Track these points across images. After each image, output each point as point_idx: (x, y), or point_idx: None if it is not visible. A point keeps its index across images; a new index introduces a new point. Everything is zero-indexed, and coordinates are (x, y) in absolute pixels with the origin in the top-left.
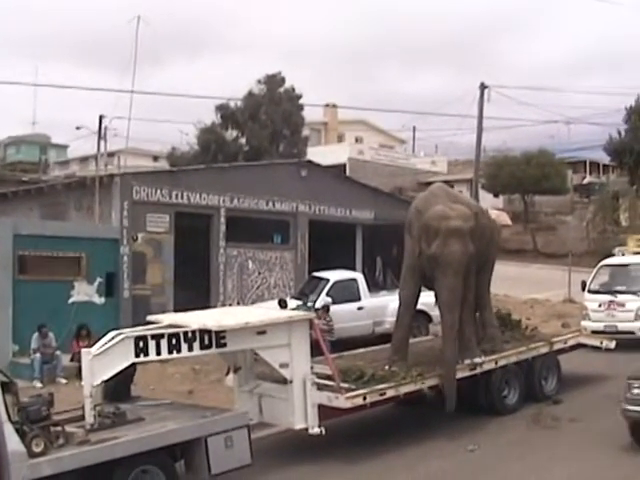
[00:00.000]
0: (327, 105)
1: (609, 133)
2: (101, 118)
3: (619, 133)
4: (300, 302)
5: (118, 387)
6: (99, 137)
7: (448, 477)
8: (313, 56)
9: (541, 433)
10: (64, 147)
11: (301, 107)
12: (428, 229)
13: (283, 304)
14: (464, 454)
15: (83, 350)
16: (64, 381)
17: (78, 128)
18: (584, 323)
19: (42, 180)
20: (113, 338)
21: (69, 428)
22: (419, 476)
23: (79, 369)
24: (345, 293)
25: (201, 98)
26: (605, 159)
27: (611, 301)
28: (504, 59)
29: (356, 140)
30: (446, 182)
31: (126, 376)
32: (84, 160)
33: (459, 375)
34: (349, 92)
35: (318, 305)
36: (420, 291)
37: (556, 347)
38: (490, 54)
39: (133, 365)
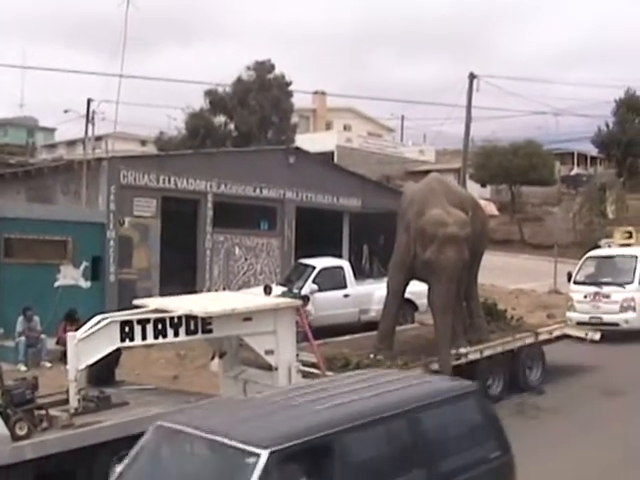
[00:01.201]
0: (316, 92)
1: (597, 125)
2: (89, 102)
3: (607, 125)
4: (285, 289)
5: (102, 371)
6: (87, 121)
7: None
8: (304, 43)
9: (524, 422)
10: (52, 130)
11: (290, 94)
12: (424, 233)
13: (268, 290)
14: None
15: (68, 334)
16: (49, 365)
17: (66, 111)
18: (569, 314)
19: (29, 163)
20: (99, 322)
21: (53, 412)
22: None
23: (64, 353)
24: (331, 280)
25: (189, 83)
26: (593, 151)
27: (596, 292)
28: (495, 49)
29: (344, 128)
30: (434, 171)
31: (110, 360)
32: (71, 144)
33: None
34: (339, 80)
35: (304, 292)
36: (409, 282)
37: (541, 338)
38: (481, 44)
39: (118, 349)
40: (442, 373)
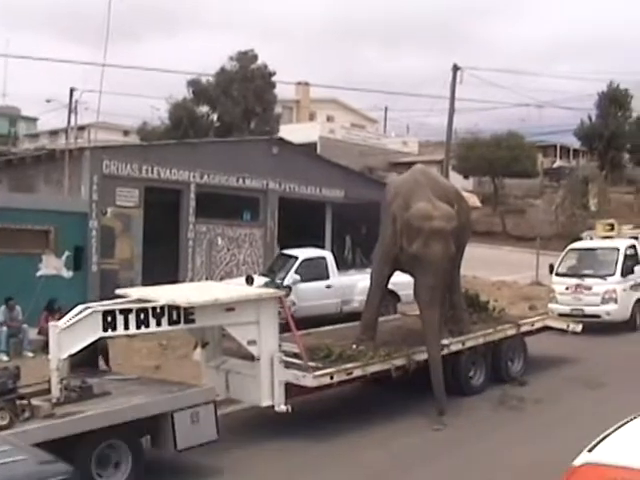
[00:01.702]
0: (299, 83)
1: (580, 118)
2: (72, 91)
3: (590, 118)
4: (268, 279)
5: (85, 360)
6: (70, 110)
7: (414, 455)
8: (288, 35)
9: (506, 414)
10: (34, 120)
11: (273, 85)
12: (410, 227)
13: (250, 281)
14: (430, 433)
15: (50, 323)
16: (31, 354)
17: (49, 101)
18: (551, 306)
19: (11, 153)
20: (81, 312)
21: (35, 401)
22: (385, 454)
23: (46, 343)
24: (314, 271)
25: (172, 73)
26: (575, 144)
27: (578, 284)
28: (479, 42)
29: (328, 119)
30: (417, 163)
31: (94, 349)
32: (54, 133)
33: (426, 356)
34: (322, 72)
35: (287, 283)
36: (392, 274)
37: (523, 329)
38: (465, 37)
39: (104, 340)
40: (434, 367)
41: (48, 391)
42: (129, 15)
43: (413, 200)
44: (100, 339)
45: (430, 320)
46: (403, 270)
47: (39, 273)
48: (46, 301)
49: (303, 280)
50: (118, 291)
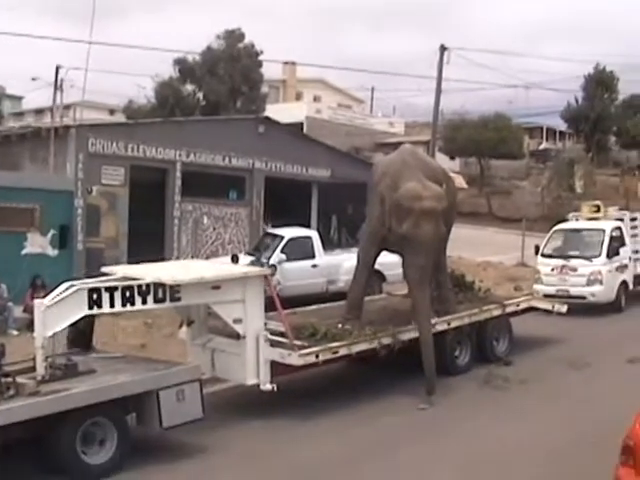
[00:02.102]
0: (286, 63)
1: (567, 100)
2: (57, 69)
3: (576, 100)
4: (253, 258)
5: (78, 337)
6: (55, 88)
7: (399, 433)
8: (275, 14)
9: (491, 393)
10: (19, 98)
11: (260, 64)
12: (400, 208)
13: (235, 259)
14: (416, 412)
15: (36, 301)
16: (16, 332)
17: (34, 79)
18: (536, 287)
19: None
20: (66, 290)
21: (20, 379)
22: (370, 432)
23: (31, 321)
24: (299, 250)
25: (158, 50)
26: (562, 126)
27: (564, 265)
28: (467, 22)
29: (314, 99)
30: (404, 143)
31: (85, 327)
32: (39, 112)
33: (412, 335)
34: (309, 51)
35: (272, 262)
36: (379, 254)
37: (508, 310)
38: (453, 17)
39: (90, 316)
40: (425, 347)
41: (33, 369)
42: None
43: (402, 180)
44: (86, 317)
45: (420, 300)
46: (391, 250)
47: (24, 251)
48: (30, 278)
49: (289, 259)
50: (104, 269)
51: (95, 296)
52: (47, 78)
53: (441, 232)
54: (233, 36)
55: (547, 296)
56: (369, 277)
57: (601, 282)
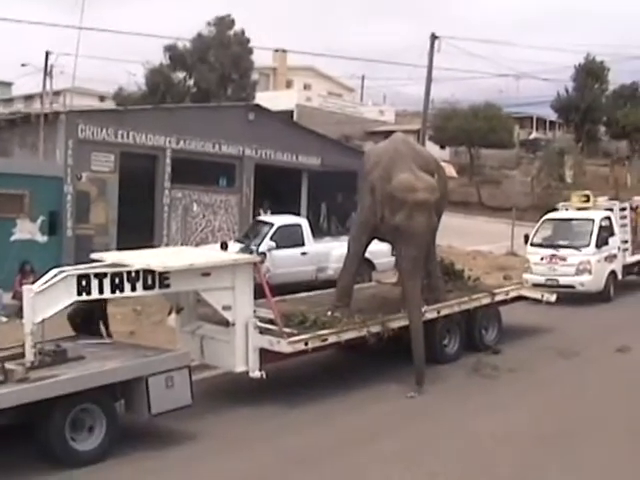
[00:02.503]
0: (277, 50)
1: (557, 90)
2: (47, 54)
3: (566, 90)
4: (243, 245)
5: (85, 327)
6: (45, 74)
7: (388, 421)
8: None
9: (480, 381)
10: (8, 84)
11: (250, 51)
12: (393, 199)
13: (224, 247)
14: (404, 400)
15: (25, 287)
16: (5, 319)
17: (24, 65)
18: (526, 276)
19: None
20: (56, 276)
21: (9, 365)
22: (357, 420)
23: (20, 307)
24: (289, 238)
25: (149, 36)
26: (552, 116)
27: (553, 255)
28: (459, 11)
29: (304, 87)
30: (394, 132)
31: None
32: (29, 98)
33: (401, 323)
34: (300, 39)
35: (262, 249)
36: (370, 243)
37: (498, 298)
38: (444, 5)
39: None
40: (415, 337)
41: (22, 355)
42: None
43: (395, 171)
44: (99, 303)
45: (412, 291)
46: (382, 239)
47: (13, 238)
48: (19, 264)
49: (278, 247)
50: (93, 255)
51: (84, 282)
52: (37, 64)
53: (433, 223)
54: (223, 23)
55: (536, 285)
56: (359, 265)
57: (590, 272)
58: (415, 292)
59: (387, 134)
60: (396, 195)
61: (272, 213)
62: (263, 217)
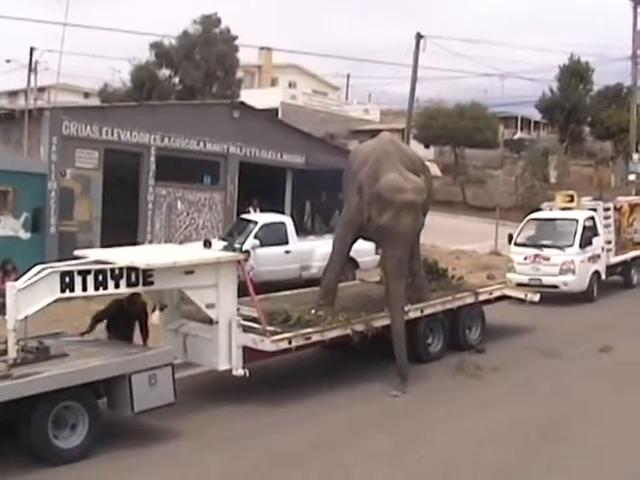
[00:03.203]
0: (262, 48)
1: (542, 90)
2: (32, 50)
3: (551, 91)
4: (226, 243)
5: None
6: (29, 70)
7: (371, 421)
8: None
9: (464, 381)
10: None
11: (236, 49)
12: (380, 199)
13: (208, 245)
14: (388, 399)
15: (8, 284)
16: None
17: (8, 61)
18: (509, 275)
19: None
20: (39, 272)
21: None
22: (341, 419)
23: (3, 304)
24: (273, 236)
25: (134, 34)
26: (536, 116)
27: (537, 255)
28: (444, 11)
29: (289, 85)
30: (378, 131)
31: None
32: (13, 94)
33: (384, 322)
34: (286, 38)
35: (246, 247)
36: (355, 242)
37: (481, 298)
38: (430, 5)
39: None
40: (397, 339)
41: (5, 352)
42: None
43: (382, 171)
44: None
45: (396, 292)
46: (367, 238)
47: None
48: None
49: (262, 245)
50: (77, 252)
51: (67, 279)
52: (21, 60)
53: (420, 224)
54: (209, 21)
55: (520, 285)
56: (343, 264)
57: (573, 272)
58: (399, 293)
59: (372, 133)
60: (383, 195)
61: (261, 210)
62: (248, 215)
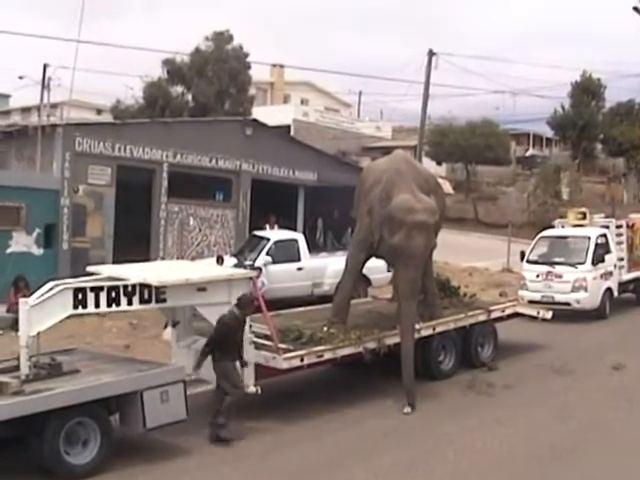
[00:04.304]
0: (274, 65)
1: (554, 107)
2: (45, 67)
3: (563, 107)
4: (236, 261)
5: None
6: (42, 86)
7: (383, 437)
8: (264, 16)
9: (475, 398)
10: (6, 97)
11: (248, 66)
12: (392, 219)
13: (220, 261)
14: (400, 416)
15: (21, 300)
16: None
17: (21, 77)
18: (521, 293)
19: None
20: (52, 289)
21: (3, 378)
22: (355, 436)
23: (15, 320)
24: (285, 253)
25: (146, 51)
26: (548, 132)
27: (549, 272)
28: (456, 27)
29: (301, 102)
30: (390, 148)
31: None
32: (26, 110)
33: (397, 340)
34: (298, 55)
35: (258, 264)
36: (368, 260)
37: (493, 315)
38: (442, 22)
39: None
40: (406, 360)
41: (17, 368)
42: None
43: (394, 191)
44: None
45: (408, 312)
46: (380, 258)
47: (9, 250)
48: (13, 279)
49: (275, 262)
50: (89, 268)
51: (80, 296)
52: (35, 77)
53: (432, 245)
54: (221, 38)
55: (532, 302)
56: (356, 282)
57: (586, 289)
58: (410, 314)
59: (384, 150)
60: (395, 216)
61: (280, 227)
62: (261, 232)
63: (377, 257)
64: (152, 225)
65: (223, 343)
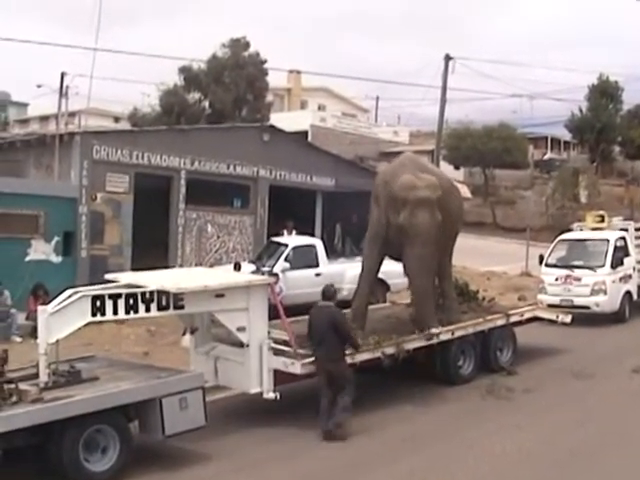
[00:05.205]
0: (291, 71)
1: (571, 110)
2: (63, 76)
3: (580, 110)
4: (254, 267)
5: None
6: (60, 95)
7: (402, 442)
8: (281, 22)
9: (495, 403)
10: (24, 105)
11: (265, 72)
12: (396, 199)
13: (238, 267)
14: (419, 421)
15: (39, 307)
16: (19, 339)
17: (39, 86)
18: (540, 296)
19: (1, 137)
20: (70, 296)
21: (23, 386)
22: (373, 441)
23: (34, 328)
24: (303, 259)
25: (163, 58)
26: (566, 136)
27: (568, 275)
28: (473, 31)
29: (319, 108)
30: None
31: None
32: (44, 119)
33: (415, 345)
34: (315, 60)
35: (276, 270)
36: (383, 260)
37: (512, 319)
38: (459, 26)
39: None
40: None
41: (36, 376)
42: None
43: (397, 175)
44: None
45: (420, 288)
46: (391, 251)
47: (28, 258)
48: (32, 287)
49: (293, 268)
50: (107, 276)
51: (99, 303)
52: (52, 85)
53: (437, 221)
54: (238, 44)
55: (551, 306)
56: (372, 285)
57: (605, 292)
58: (425, 288)
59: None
60: (397, 194)
61: (297, 233)
62: (279, 238)
63: (392, 254)
64: (170, 232)
65: (331, 337)
